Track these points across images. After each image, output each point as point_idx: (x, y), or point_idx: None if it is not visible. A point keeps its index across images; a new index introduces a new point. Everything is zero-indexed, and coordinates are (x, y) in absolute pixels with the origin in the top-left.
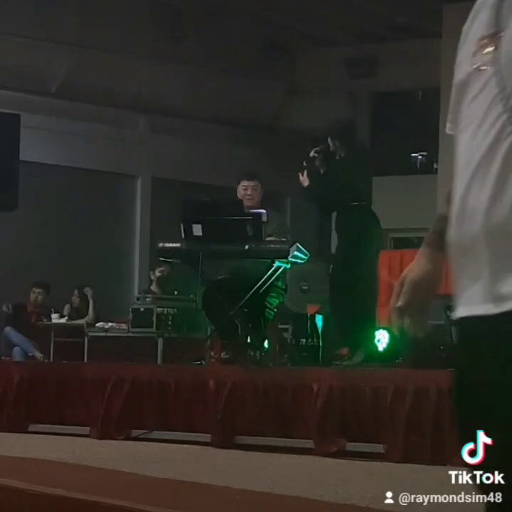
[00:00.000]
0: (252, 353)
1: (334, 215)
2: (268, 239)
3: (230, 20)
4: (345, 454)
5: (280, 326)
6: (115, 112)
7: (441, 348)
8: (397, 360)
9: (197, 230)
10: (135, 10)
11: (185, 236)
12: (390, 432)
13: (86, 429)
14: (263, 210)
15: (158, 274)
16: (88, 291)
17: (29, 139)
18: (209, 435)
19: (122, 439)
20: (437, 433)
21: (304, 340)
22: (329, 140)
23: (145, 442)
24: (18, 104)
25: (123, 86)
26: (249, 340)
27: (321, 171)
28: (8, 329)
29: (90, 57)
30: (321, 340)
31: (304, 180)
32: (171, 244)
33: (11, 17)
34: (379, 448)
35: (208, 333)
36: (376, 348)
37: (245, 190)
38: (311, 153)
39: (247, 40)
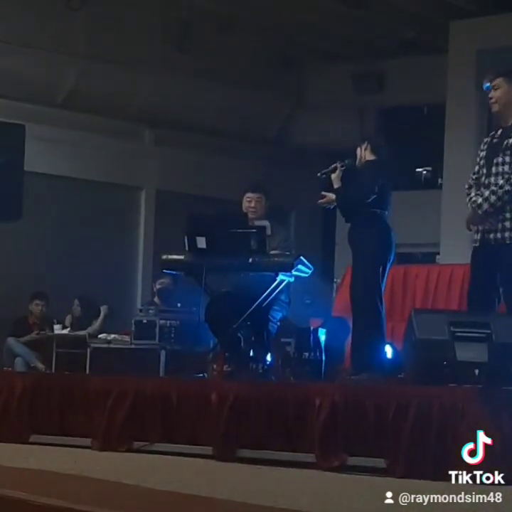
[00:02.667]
0: (254, 367)
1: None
2: (272, 252)
3: (239, 34)
4: (347, 469)
5: (283, 340)
6: (121, 124)
7: (445, 363)
8: (399, 375)
9: (201, 242)
10: (144, 22)
11: (189, 248)
12: (392, 447)
13: (88, 441)
14: (267, 223)
15: (158, 286)
16: (103, 309)
17: (34, 150)
18: (211, 448)
19: (124, 451)
20: (440, 449)
21: (307, 354)
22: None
23: (147, 454)
24: (24, 114)
25: (129, 98)
26: (252, 354)
27: (335, 186)
28: (10, 340)
29: (97, 69)
30: (324, 354)
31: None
32: (174, 257)
33: (18, 27)
34: (381, 463)
35: (211, 346)
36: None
37: (249, 202)
38: (335, 165)
39: (255, 54)
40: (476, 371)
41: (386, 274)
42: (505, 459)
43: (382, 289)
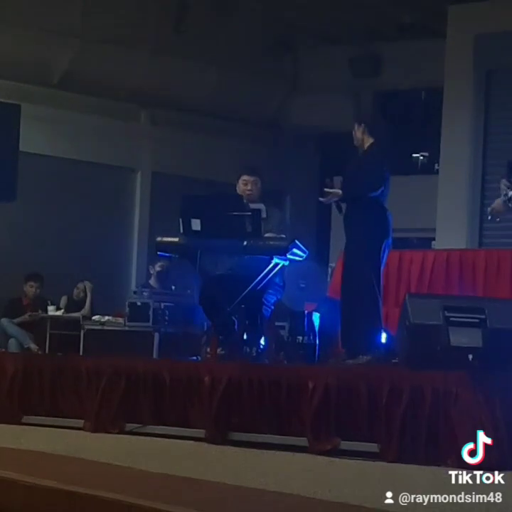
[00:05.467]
0: (248, 350)
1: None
2: (267, 235)
3: (236, 15)
4: (339, 453)
5: (277, 324)
6: (117, 105)
7: (439, 348)
8: (393, 360)
9: (196, 224)
10: (140, 2)
11: (183, 231)
12: (384, 432)
13: (80, 422)
14: (263, 207)
15: (158, 268)
16: (88, 285)
17: (30, 130)
18: (203, 431)
19: (116, 433)
20: (432, 434)
21: (301, 337)
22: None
23: (139, 436)
24: (20, 94)
25: (125, 78)
26: (245, 337)
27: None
28: (4, 321)
29: (93, 49)
30: (317, 338)
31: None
32: (169, 239)
33: (14, 7)
34: (373, 447)
35: (205, 329)
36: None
37: (245, 185)
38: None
39: (252, 36)
40: (470, 356)
41: (384, 258)
42: (498, 443)
43: (381, 273)
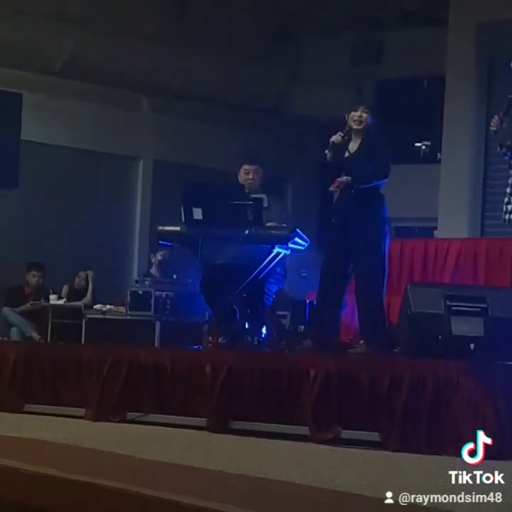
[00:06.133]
0: (249, 339)
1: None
2: (268, 224)
3: (238, 3)
4: (340, 442)
5: (279, 313)
6: (118, 93)
7: (440, 337)
8: (394, 349)
9: (197, 213)
10: None
11: (185, 220)
12: (386, 421)
13: (81, 411)
14: (264, 195)
15: (159, 257)
16: (89, 274)
17: (31, 119)
18: (204, 419)
19: (117, 422)
20: (433, 423)
21: (303, 327)
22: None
23: (140, 425)
24: (21, 82)
25: (126, 66)
26: (247, 326)
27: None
28: (5, 309)
29: (95, 37)
30: None
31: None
32: (170, 228)
33: None
34: (375, 436)
35: (206, 318)
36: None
37: (247, 174)
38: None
39: (254, 24)
40: (472, 345)
41: (388, 245)
42: (500, 432)
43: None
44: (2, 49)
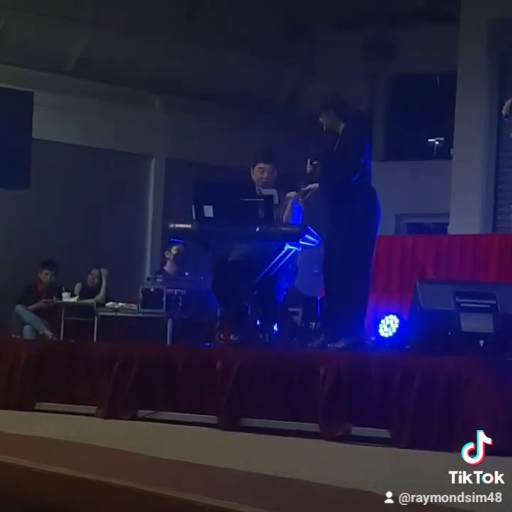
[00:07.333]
0: (261, 336)
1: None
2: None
3: (249, 1)
4: (350, 439)
5: (291, 309)
6: (130, 92)
7: (450, 334)
8: (405, 346)
9: (208, 211)
10: None
11: (196, 217)
12: (396, 418)
13: (92, 409)
14: (275, 192)
15: (174, 251)
16: (103, 271)
17: (43, 117)
18: (215, 417)
19: (129, 419)
20: (444, 420)
21: (314, 323)
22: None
23: (151, 423)
24: (33, 81)
25: (139, 65)
26: (258, 323)
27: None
28: (19, 307)
29: (107, 36)
30: None
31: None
32: (182, 225)
33: None
34: (385, 433)
35: (218, 315)
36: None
37: (261, 172)
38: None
39: (266, 22)
40: (481, 342)
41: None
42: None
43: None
44: (14, 48)
